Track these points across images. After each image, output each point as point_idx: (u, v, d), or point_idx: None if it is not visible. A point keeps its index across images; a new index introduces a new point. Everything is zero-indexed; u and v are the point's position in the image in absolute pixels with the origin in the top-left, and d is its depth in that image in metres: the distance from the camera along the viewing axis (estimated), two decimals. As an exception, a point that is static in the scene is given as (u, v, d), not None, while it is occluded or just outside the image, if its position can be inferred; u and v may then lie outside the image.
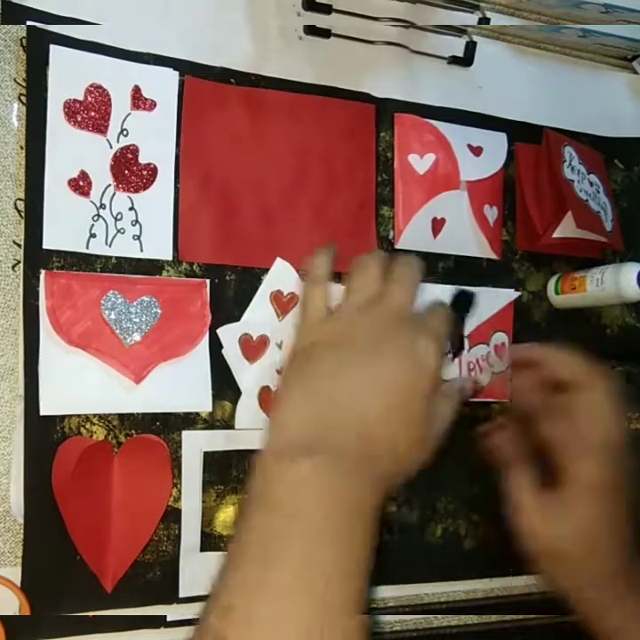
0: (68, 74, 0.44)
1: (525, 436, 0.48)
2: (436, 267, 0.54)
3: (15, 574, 0.42)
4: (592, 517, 0.44)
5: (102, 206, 0.45)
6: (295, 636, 0.31)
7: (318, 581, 0.32)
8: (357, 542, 0.35)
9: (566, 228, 0.56)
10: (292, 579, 0.32)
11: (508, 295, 0.56)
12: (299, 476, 0.35)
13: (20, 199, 0.44)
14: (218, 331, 0.47)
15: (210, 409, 0.46)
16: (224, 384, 0.47)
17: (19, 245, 0.43)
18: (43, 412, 0.42)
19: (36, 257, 0.43)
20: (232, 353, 0.47)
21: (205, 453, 0.46)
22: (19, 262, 0.43)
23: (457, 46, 0.56)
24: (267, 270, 0.49)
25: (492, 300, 0.55)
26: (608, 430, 0.45)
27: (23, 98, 0.44)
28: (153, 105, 0.47)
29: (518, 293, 0.56)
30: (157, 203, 0.46)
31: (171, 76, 0.47)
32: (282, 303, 0.49)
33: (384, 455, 0.38)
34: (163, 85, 0.47)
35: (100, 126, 0.45)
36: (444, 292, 0.47)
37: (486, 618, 0.54)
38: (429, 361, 0.39)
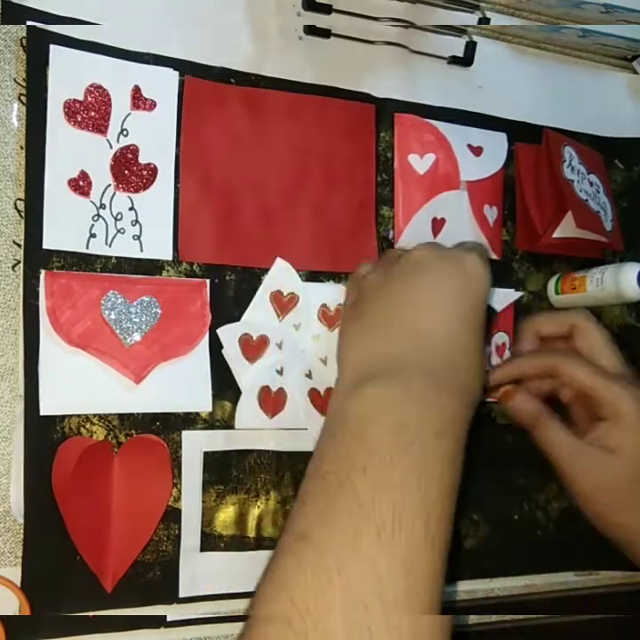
0: (68, 74, 0.44)
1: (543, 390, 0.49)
2: (436, 267, 0.54)
3: (15, 574, 0.42)
4: (636, 447, 0.44)
5: (102, 206, 0.45)
6: (367, 571, 0.30)
7: (387, 517, 0.31)
8: (437, 459, 0.34)
9: (566, 228, 0.56)
10: (360, 512, 0.31)
11: (508, 295, 0.56)
12: (362, 402, 0.35)
13: (19, 199, 0.44)
14: (218, 331, 0.47)
15: (210, 409, 0.46)
16: (224, 384, 0.47)
17: (19, 245, 0.43)
18: (43, 412, 0.42)
19: (35, 257, 0.43)
20: (232, 353, 0.47)
21: (205, 453, 0.46)
22: (19, 262, 0.43)
23: (457, 46, 0.56)
24: (267, 270, 0.49)
25: (492, 301, 0.55)
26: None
27: (23, 98, 0.44)
28: (153, 105, 0.47)
29: (520, 294, 0.56)
30: (157, 203, 0.46)
31: (171, 76, 0.47)
32: (282, 303, 0.49)
33: (460, 366, 0.38)
34: (163, 85, 0.47)
35: (99, 126, 0.45)
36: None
37: (486, 618, 0.54)
38: (480, 271, 0.42)
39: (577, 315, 0.49)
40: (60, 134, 0.44)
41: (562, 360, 0.47)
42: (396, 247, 0.49)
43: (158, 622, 0.45)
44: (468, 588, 0.54)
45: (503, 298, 0.56)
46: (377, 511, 0.31)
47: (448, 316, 0.39)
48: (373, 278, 0.44)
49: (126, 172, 0.45)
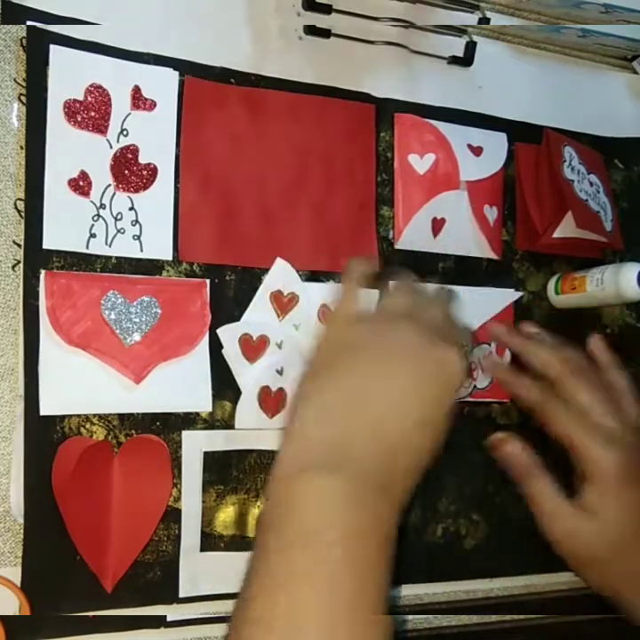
0: (68, 74, 0.44)
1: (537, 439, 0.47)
2: (436, 267, 0.54)
3: (15, 574, 0.42)
4: (619, 515, 0.43)
5: (102, 206, 0.45)
6: (313, 628, 0.31)
7: (340, 599, 0.32)
8: (375, 561, 0.34)
9: (566, 228, 0.56)
10: (313, 599, 0.32)
11: (508, 295, 0.56)
12: (321, 493, 0.34)
13: (19, 199, 0.44)
14: (218, 331, 0.47)
15: (210, 409, 0.46)
16: (224, 384, 0.47)
17: (19, 245, 0.43)
18: (43, 412, 0.42)
19: (36, 257, 0.43)
20: (232, 353, 0.47)
21: (205, 453, 0.46)
22: (19, 262, 0.43)
23: (457, 46, 0.56)
24: (267, 270, 0.49)
25: (492, 301, 0.55)
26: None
27: (23, 98, 0.44)
28: (153, 105, 0.47)
29: (520, 294, 0.56)
30: (157, 203, 0.46)
31: (171, 76, 0.47)
32: (282, 303, 0.49)
33: (405, 470, 0.38)
34: (163, 85, 0.47)
35: (100, 126, 0.45)
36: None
37: (486, 618, 0.54)
38: (457, 372, 0.39)
39: (560, 367, 0.47)
40: (60, 134, 0.44)
41: (549, 405, 0.46)
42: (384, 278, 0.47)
43: (158, 622, 0.45)
44: (467, 588, 0.54)
45: (502, 298, 0.56)
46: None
47: (412, 420, 0.38)
48: (350, 336, 0.41)
49: (126, 171, 0.45)
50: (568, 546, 0.44)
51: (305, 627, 0.31)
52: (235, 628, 0.33)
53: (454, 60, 0.56)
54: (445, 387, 0.39)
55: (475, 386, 0.54)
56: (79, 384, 0.43)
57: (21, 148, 0.44)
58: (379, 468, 0.36)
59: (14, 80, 0.44)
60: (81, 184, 0.44)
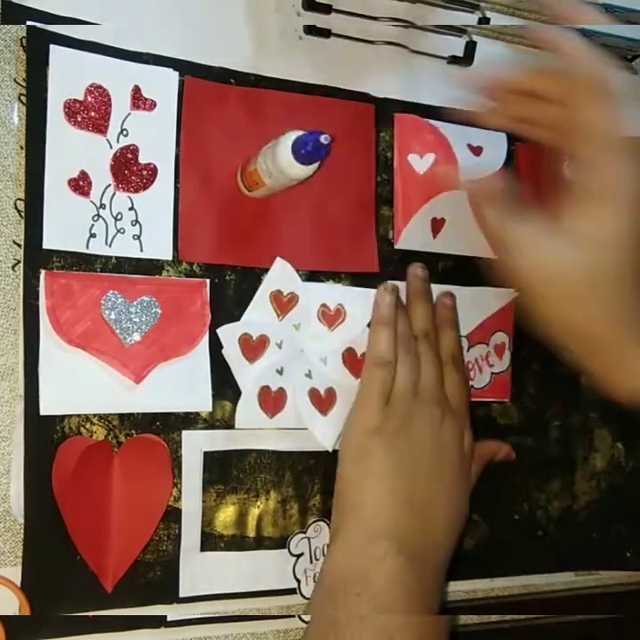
0: (68, 74, 0.44)
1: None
2: (436, 267, 0.54)
3: (15, 574, 0.42)
4: (604, 235, 0.36)
5: (102, 206, 0.45)
6: None
7: None
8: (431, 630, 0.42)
9: (566, 228, 0.56)
10: None
11: (507, 295, 0.56)
12: (391, 572, 0.42)
13: (19, 199, 0.44)
14: (217, 330, 0.47)
15: (210, 409, 0.46)
16: (224, 384, 0.47)
17: (19, 245, 0.43)
18: (43, 412, 0.42)
19: (35, 257, 0.43)
20: (232, 353, 0.47)
21: (205, 453, 0.46)
22: (19, 262, 0.43)
23: (457, 46, 0.56)
24: (266, 270, 0.49)
25: (491, 301, 0.55)
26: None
27: (23, 98, 0.44)
28: (153, 105, 0.47)
29: (511, 290, 0.56)
30: (157, 203, 0.46)
31: (171, 76, 0.47)
32: (281, 303, 0.49)
33: (444, 546, 0.46)
34: (163, 85, 0.47)
35: (99, 126, 0.45)
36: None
37: (486, 618, 0.54)
38: (468, 453, 0.48)
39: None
40: (60, 134, 0.44)
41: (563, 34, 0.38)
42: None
43: (158, 622, 0.45)
44: (467, 588, 0.54)
45: (499, 297, 0.56)
46: None
47: (453, 507, 0.47)
48: (397, 425, 0.46)
49: (126, 171, 0.45)
50: (540, 275, 0.38)
51: None
52: None
53: (454, 60, 0.56)
54: (463, 470, 0.48)
55: (472, 386, 0.54)
56: (79, 384, 0.43)
57: (21, 147, 0.44)
58: (434, 560, 0.45)
59: (14, 80, 0.44)
60: (81, 184, 0.44)
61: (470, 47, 0.56)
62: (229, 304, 0.48)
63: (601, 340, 0.38)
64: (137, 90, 0.46)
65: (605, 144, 0.37)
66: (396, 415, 0.46)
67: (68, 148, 0.44)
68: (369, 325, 0.50)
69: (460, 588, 0.54)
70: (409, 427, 0.46)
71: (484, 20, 0.55)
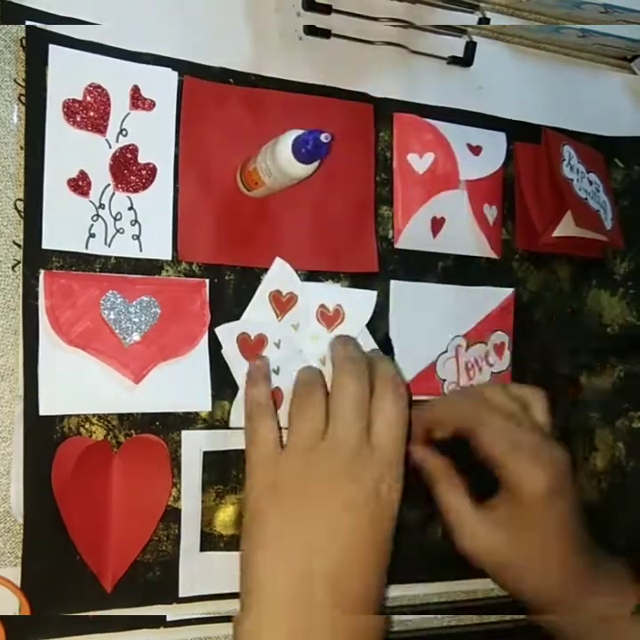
0: (68, 74, 0.44)
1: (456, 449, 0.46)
2: (436, 266, 0.54)
3: (15, 574, 0.42)
4: (537, 525, 0.42)
5: (101, 206, 0.45)
6: None
7: None
8: None
9: (566, 227, 0.56)
10: None
11: (506, 294, 0.56)
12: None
13: (19, 199, 0.44)
14: (216, 329, 0.47)
15: (209, 409, 0.46)
16: (223, 384, 0.47)
17: (19, 246, 0.43)
18: (42, 412, 0.42)
19: (35, 257, 0.43)
20: (231, 352, 0.47)
21: (205, 453, 0.46)
22: (19, 262, 0.43)
23: (457, 46, 0.56)
24: (266, 270, 0.49)
25: (491, 300, 0.55)
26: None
27: (23, 98, 0.44)
28: (152, 105, 0.47)
29: (511, 290, 0.56)
30: (156, 202, 0.46)
31: (170, 76, 0.47)
32: (280, 303, 0.49)
33: (360, 600, 0.40)
34: (162, 85, 0.47)
35: (99, 126, 0.45)
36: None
37: (486, 618, 0.54)
38: (391, 501, 0.41)
39: (473, 420, 0.45)
40: (60, 134, 0.44)
41: (479, 421, 0.44)
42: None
43: (158, 622, 0.45)
44: (468, 588, 0.54)
45: (498, 296, 0.56)
46: None
47: (358, 550, 0.40)
48: (283, 476, 0.41)
49: (125, 171, 0.45)
50: (482, 557, 0.44)
51: None
52: None
53: (454, 61, 0.56)
54: (380, 518, 0.41)
55: (472, 386, 0.54)
56: (78, 384, 0.43)
57: (21, 148, 0.44)
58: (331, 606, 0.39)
59: (14, 80, 0.44)
60: (80, 184, 0.44)
61: (470, 47, 0.56)
62: (229, 304, 0.48)
63: (555, 601, 0.43)
64: (136, 90, 0.46)
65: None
66: (289, 469, 0.41)
67: (68, 148, 0.44)
68: (367, 326, 0.50)
69: (460, 588, 0.54)
70: (303, 481, 0.41)
71: (484, 20, 0.55)
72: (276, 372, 0.48)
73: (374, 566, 0.41)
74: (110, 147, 0.45)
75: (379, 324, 0.51)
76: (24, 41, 0.44)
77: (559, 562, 0.43)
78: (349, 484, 0.40)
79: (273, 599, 0.39)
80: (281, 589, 0.39)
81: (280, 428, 0.43)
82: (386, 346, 0.51)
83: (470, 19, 0.55)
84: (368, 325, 0.51)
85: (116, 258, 0.45)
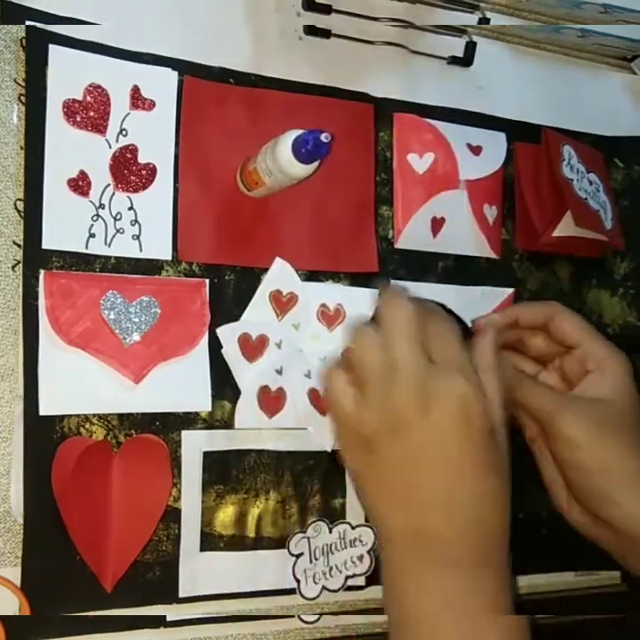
0: (68, 74, 0.44)
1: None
2: (436, 266, 0.54)
3: (15, 574, 0.42)
4: (622, 395, 0.44)
5: (101, 206, 0.45)
6: None
7: None
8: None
9: (565, 227, 0.56)
10: None
11: (505, 293, 0.56)
12: (425, 597, 0.37)
13: (19, 199, 0.44)
14: (217, 330, 0.47)
15: (209, 409, 0.46)
16: (223, 384, 0.47)
17: (19, 246, 0.43)
18: (42, 412, 0.42)
19: (35, 257, 0.43)
20: (231, 352, 0.47)
21: (205, 453, 0.46)
22: (19, 263, 0.43)
23: (457, 46, 0.56)
24: (266, 270, 0.49)
25: (491, 300, 0.55)
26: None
27: (23, 98, 0.44)
28: (152, 105, 0.47)
29: (511, 290, 0.56)
30: (156, 202, 0.46)
31: (170, 76, 0.47)
32: (281, 303, 0.49)
33: (487, 522, 0.38)
34: (162, 85, 0.47)
35: (99, 126, 0.45)
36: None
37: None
38: (474, 404, 0.37)
39: (552, 304, 0.47)
40: (60, 134, 0.44)
41: (558, 309, 0.46)
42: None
43: (158, 622, 0.45)
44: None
45: (498, 295, 0.56)
46: None
47: (460, 472, 0.38)
48: (379, 425, 0.38)
49: (125, 171, 0.45)
50: (578, 431, 0.43)
51: None
52: None
53: (454, 61, 0.56)
54: (470, 424, 0.37)
55: None
56: (78, 384, 0.43)
57: (21, 148, 0.44)
58: (468, 542, 0.37)
59: (14, 80, 0.44)
60: (80, 184, 0.44)
61: (470, 47, 0.56)
62: (229, 304, 0.48)
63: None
64: (136, 90, 0.46)
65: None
66: (370, 411, 0.38)
67: (68, 148, 0.44)
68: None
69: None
70: (392, 420, 0.37)
71: (484, 20, 0.55)
72: (279, 372, 0.48)
73: (490, 494, 0.38)
74: (110, 147, 0.45)
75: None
76: (24, 41, 0.44)
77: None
78: (431, 409, 0.37)
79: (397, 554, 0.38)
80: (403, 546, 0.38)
81: None
82: None
83: (470, 19, 0.55)
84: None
85: (115, 258, 0.45)
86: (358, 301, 0.50)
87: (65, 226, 0.44)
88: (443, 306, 0.50)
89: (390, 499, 0.39)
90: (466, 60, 0.56)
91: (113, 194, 0.45)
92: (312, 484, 0.49)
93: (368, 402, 0.38)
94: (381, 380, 0.38)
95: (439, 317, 0.41)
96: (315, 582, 0.48)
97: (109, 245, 0.45)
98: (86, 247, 0.44)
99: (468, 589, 0.37)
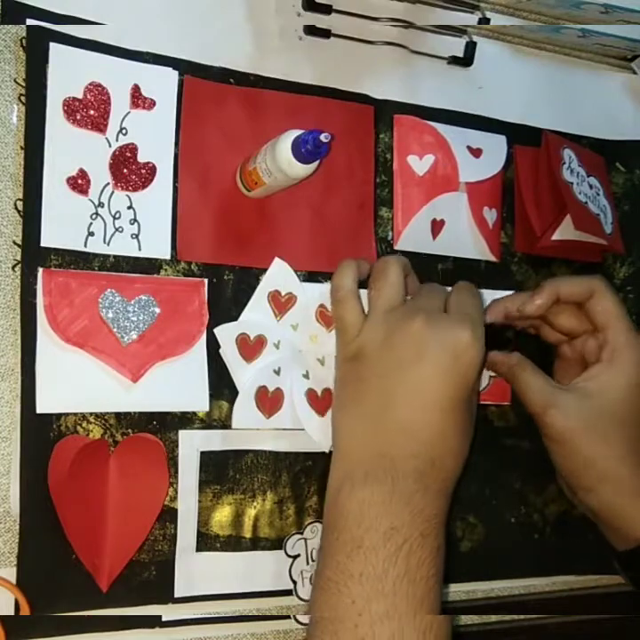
0: (68, 72, 0.44)
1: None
2: (435, 268, 0.54)
3: (15, 575, 0.41)
4: (621, 390, 0.45)
5: (101, 205, 0.45)
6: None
7: (392, 598, 0.36)
8: (423, 557, 0.38)
9: (565, 231, 0.56)
10: (358, 619, 0.36)
11: (505, 295, 0.56)
12: (360, 503, 0.39)
13: (19, 199, 0.44)
14: (215, 330, 0.47)
15: (207, 408, 0.46)
16: (221, 384, 0.47)
17: (19, 246, 0.43)
18: (39, 410, 0.42)
19: (33, 255, 0.43)
20: (229, 352, 0.47)
21: (202, 453, 0.46)
22: (19, 262, 0.43)
23: (457, 46, 0.56)
24: (265, 270, 0.48)
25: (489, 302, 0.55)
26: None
27: (23, 98, 0.44)
28: (152, 104, 0.47)
29: (511, 292, 0.56)
30: (156, 202, 0.46)
31: (170, 76, 0.47)
32: (279, 303, 0.48)
33: (442, 457, 0.41)
34: (162, 84, 0.47)
35: (99, 125, 0.45)
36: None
37: (486, 618, 0.54)
38: (471, 352, 0.41)
39: (595, 281, 0.48)
40: (59, 132, 0.44)
41: (599, 288, 0.47)
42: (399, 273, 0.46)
43: (153, 622, 0.45)
44: (467, 588, 0.54)
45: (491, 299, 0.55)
46: (370, 621, 0.36)
47: (434, 406, 0.41)
48: (367, 345, 0.43)
49: (125, 170, 0.45)
50: (568, 422, 0.45)
51: (365, 630, 0.35)
52: (309, 627, 0.38)
53: (454, 61, 0.56)
54: (460, 371, 0.41)
55: None
56: (76, 382, 0.43)
57: (21, 148, 0.44)
58: (413, 468, 0.40)
59: (14, 80, 0.44)
60: (79, 182, 0.44)
61: (470, 47, 0.56)
62: (227, 304, 0.48)
63: (627, 478, 0.46)
64: (136, 88, 0.46)
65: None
66: (369, 335, 0.43)
67: (67, 147, 0.44)
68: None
69: (460, 589, 0.53)
70: (382, 346, 0.42)
71: (484, 20, 0.55)
72: (277, 372, 0.48)
73: (460, 431, 0.42)
74: (110, 145, 0.45)
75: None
76: (24, 40, 0.44)
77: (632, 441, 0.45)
78: (424, 343, 0.41)
79: (345, 452, 0.42)
80: (354, 442, 0.41)
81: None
82: None
83: (470, 19, 0.55)
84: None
85: (114, 256, 0.45)
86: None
87: (64, 224, 0.44)
88: None
89: (360, 413, 0.42)
90: (466, 60, 0.56)
91: (112, 192, 0.45)
92: (309, 485, 0.49)
93: (373, 319, 0.43)
94: (395, 308, 0.43)
95: (465, 284, 0.47)
96: (311, 584, 0.47)
97: (108, 244, 0.45)
98: (85, 245, 0.44)
99: (401, 505, 0.39)
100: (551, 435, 0.47)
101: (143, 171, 0.46)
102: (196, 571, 0.45)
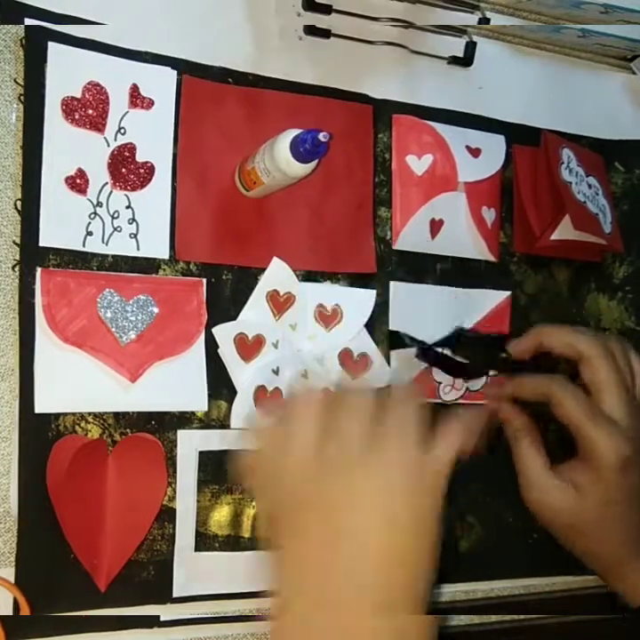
0: (66, 71, 0.44)
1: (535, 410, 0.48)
2: (434, 268, 0.54)
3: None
4: (604, 498, 0.44)
5: (99, 204, 0.45)
6: None
7: None
8: None
9: (564, 230, 0.55)
10: None
11: (503, 295, 0.56)
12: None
13: (19, 199, 0.43)
14: (213, 330, 0.47)
15: (205, 408, 0.46)
16: (220, 383, 0.47)
17: (19, 246, 0.43)
18: (37, 410, 0.42)
19: (32, 254, 0.43)
20: (228, 352, 0.47)
21: (200, 453, 0.46)
22: (19, 263, 0.43)
23: (457, 46, 0.56)
24: (263, 270, 0.48)
25: (488, 302, 0.55)
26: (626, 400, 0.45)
27: (23, 98, 0.44)
28: (151, 103, 0.46)
29: (507, 293, 0.56)
30: (154, 201, 0.46)
31: (169, 75, 0.47)
32: (278, 303, 0.48)
33: (405, 583, 0.33)
34: (161, 84, 0.47)
35: (97, 124, 0.45)
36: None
37: (486, 618, 0.54)
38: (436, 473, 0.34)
39: (588, 344, 0.46)
40: (58, 132, 0.44)
41: (557, 389, 0.45)
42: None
43: (152, 622, 0.45)
44: (467, 589, 0.54)
45: (495, 297, 0.55)
46: None
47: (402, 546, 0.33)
48: (302, 495, 0.34)
49: (123, 170, 0.45)
50: (548, 514, 0.46)
51: None
52: None
53: (454, 61, 0.56)
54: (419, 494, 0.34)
55: (467, 388, 0.54)
56: (74, 382, 0.43)
57: (21, 148, 0.43)
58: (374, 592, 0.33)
59: (14, 80, 0.44)
60: (78, 182, 0.44)
61: (470, 47, 0.56)
62: (226, 303, 0.48)
63: (609, 558, 0.46)
64: (135, 88, 0.46)
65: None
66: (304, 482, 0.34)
67: (66, 146, 0.44)
68: (366, 326, 0.50)
69: (459, 589, 0.53)
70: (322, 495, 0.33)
71: (484, 20, 0.55)
72: (276, 372, 0.48)
73: (420, 552, 0.34)
74: (108, 145, 0.45)
75: (377, 324, 0.51)
76: (23, 40, 0.44)
77: (623, 531, 0.45)
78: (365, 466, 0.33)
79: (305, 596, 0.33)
80: (312, 587, 0.33)
81: None
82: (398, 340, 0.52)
83: (470, 19, 0.55)
84: (367, 325, 0.51)
85: (113, 256, 0.45)
86: (356, 302, 0.50)
87: (62, 223, 0.44)
88: (464, 329, 0.53)
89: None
90: (466, 60, 0.56)
91: (111, 192, 0.45)
92: (308, 484, 0.49)
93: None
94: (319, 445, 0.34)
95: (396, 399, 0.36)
96: None
97: (107, 244, 0.45)
98: (83, 245, 0.44)
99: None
100: (537, 518, 0.46)
101: (142, 170, 0.46)
102: (194, 570, 0.45)
